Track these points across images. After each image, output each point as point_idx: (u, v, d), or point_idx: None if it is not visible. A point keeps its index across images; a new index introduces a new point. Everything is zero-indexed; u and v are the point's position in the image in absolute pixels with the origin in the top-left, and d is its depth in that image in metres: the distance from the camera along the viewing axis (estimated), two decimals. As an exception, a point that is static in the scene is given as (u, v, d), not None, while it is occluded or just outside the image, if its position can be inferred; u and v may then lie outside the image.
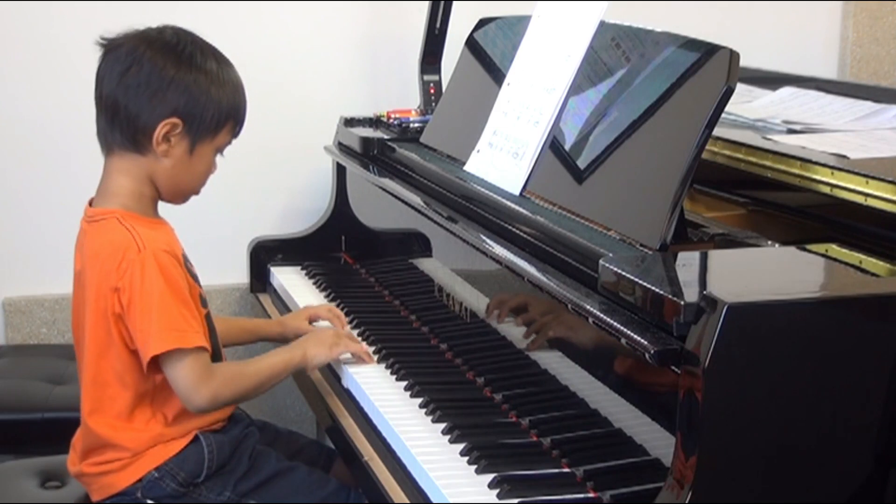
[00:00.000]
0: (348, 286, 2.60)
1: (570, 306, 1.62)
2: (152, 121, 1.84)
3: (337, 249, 2.84)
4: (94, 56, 1.89)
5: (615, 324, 1.48)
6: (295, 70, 2.98)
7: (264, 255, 2.81)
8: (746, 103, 2.51)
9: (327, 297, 2.52)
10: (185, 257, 1.91)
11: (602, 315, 1.52)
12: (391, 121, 2.72)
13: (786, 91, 2.57)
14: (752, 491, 1.38)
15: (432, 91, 2.85)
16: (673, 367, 1.38)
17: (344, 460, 2.04)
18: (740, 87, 2.01)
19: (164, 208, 1.96)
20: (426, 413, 1.88)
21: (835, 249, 1.69)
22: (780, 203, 2.01)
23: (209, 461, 1.91)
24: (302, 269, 2.75)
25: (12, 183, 2.86)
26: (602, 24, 2.00)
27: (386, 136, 2.62)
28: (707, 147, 1.75)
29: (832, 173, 1.87)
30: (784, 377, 1.36)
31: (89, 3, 2.78)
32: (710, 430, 1.34)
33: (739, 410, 1.35)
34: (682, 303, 1.38)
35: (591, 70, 1.99)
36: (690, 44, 1.80)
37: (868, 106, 2.35)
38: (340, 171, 2.83)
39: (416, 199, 2.26)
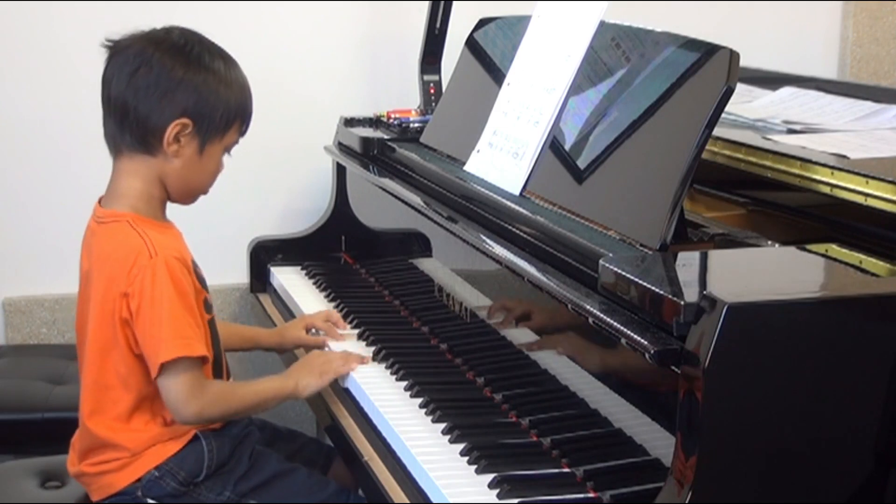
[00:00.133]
0: (348, 286, 2.60)
1: (570, 306, 1.62)
2: (163, 122, 1.84)
3: (337, 249, 2.84)
4: (94, 56, 1.89)
5: (615, 324, 1.48)
6: (295, 70, 2.98)
7: (264, 255, 2.81)
8: (746, 103, 2.50)
9: (327, 297, 2.52)
10: (193, 262, 1.91)
11: (602, 315, 1.52)
12: (391, 121, 2.72)
13: (786, 91, 2.56)
14: (753, 491, 1.37)
15: (432, 91, 2.85)
16: (673, 367, 1.38)
17: (344, 460, 2.05)
18: (740, 87, 2.01)
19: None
20: (426, 413, 1.88)
21: (835, 249, 1.69)
22: (780, 203, 2.01)
23: (209, 460, 1.91)
24: (302, 269, 2.75)
25: (13, 183, 2.86)
26: (602, 24, 2.00)
27: (386, 136, 2.62)
28: (707, 147, 1.75)
29: (832, 173, 1.87)
30: (784, 377, 1.36)
31: (90, 3, 2.78)
32: (710, 430, 1.34)
33: (739, 410, 1.35)
34: (682, 303, 1.38)
35: (591, 70, 1.99)
36: (690, 44, 1.80)
37: (868, 106, 2.35)
38: (340, 171, 2.83)
39: (416, 199, 2.26)
